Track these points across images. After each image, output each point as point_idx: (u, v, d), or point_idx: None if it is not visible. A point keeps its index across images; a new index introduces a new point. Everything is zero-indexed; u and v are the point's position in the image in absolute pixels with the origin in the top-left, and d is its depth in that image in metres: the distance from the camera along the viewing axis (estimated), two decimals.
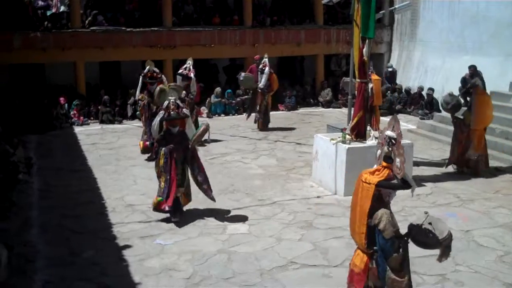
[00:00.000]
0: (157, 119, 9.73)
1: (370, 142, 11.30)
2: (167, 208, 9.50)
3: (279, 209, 10.37)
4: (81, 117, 18.71)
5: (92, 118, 19.09)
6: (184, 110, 9.80)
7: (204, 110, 19.90)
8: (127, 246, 8.70)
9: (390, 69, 22.56)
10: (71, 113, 18.73)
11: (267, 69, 17.42)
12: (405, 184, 5.78)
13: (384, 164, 5.84)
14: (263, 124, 17.65)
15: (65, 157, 14.38)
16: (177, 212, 9.69)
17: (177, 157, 9.47)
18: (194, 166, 9.65)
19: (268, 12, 22.89)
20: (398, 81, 22.25)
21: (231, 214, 10.14)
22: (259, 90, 17.42)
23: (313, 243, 8.79)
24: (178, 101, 9.80)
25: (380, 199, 5.86)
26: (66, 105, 18.71)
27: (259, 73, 17.67)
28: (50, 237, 9.16)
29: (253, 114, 17.89)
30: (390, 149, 5.74)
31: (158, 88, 13.23)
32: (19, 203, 10.53)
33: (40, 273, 7.89)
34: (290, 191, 11.47)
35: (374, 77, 14.46)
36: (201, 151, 14.39)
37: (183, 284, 7.51)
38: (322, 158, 11.68)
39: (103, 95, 19.08)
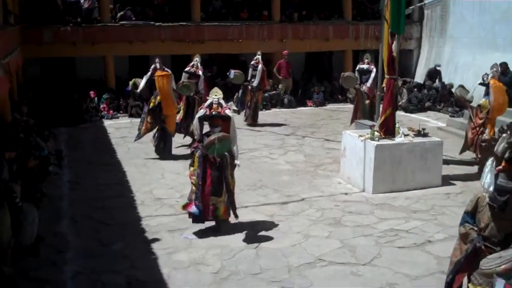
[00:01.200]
0: (197, 117, 9.24)
1: (399, 139, 11.25)
2: (193, 209, 8.86)
3: (307, 205, 10.35)
4: (111, 111, 18.90)
5: (121, 111, 19.26)
6: (227, 111, 9.18)
7: (231, 105, 19.90)
8: (155, 239, 8.78)
9: (438, 68, 21.76)
10: (101, 106, 18.92)
11: (260, 66, 17.42)
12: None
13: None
14: (252, 119, 17.67)
15: (95, 150, 14.54)
16: (200, 220, 9.04)
17: (213, 163, 8.84)
18: (223, 174, 8.90)
19: (296, 7, 22.81)
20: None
21: (259, 209, 10.14)
22: (249, 87, 17.44)
23: (341, 240, 8.75)
24: (222, 101, 9.22)
25: None
26: (96, 98, 18.93)
27: (250, 69, 17.70)
28: (80, 229, 9.29)
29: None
30: None
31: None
32: (49, 195, 10.66)
33: (70, 264, 8.00)
34: (318, 187, 11.44)
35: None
36: None
37: (211, 278, 7.54)
38: (350, 155, 11.63)
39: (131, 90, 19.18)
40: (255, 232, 9.07)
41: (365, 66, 15.88)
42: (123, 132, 16.64)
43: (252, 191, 11.14)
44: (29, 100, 16.93)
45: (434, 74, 21.81)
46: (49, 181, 11.50)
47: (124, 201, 10.62)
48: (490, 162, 5.58)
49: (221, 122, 9.03)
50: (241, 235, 8.93)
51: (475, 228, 5.60)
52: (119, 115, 19.01)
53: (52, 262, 8.02)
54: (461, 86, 14.05)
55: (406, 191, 10.91)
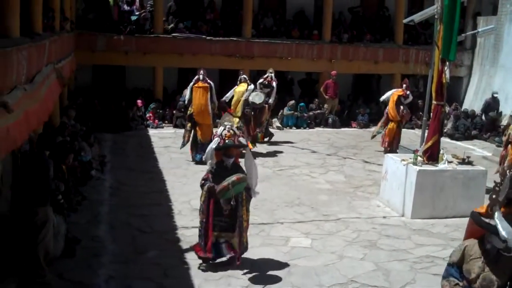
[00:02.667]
0: (212, 147, 8.32)
1: (442, 165, 11.07)
2: (202, 255, 8.22)
3: (343, 226, 10.26)
4: (156, 120, 19.15)
5: (166, 121, 19.50)
6: (241, 138, 8.59)
7: (275, 122, 19.93)
8: (189, 250, 8.80)
9: (495, 95, 20.71)
10: (147, 115, 19.19)
11: (274, 83, 16.83)
12: (494, 230, 4.91)
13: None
14: (266, 136, 17.59)
15: (138, 158, 14.74)
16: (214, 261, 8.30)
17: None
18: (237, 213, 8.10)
19: (347, 29, 22.75)
20: (475, 108, 21.55)
21: (295, 227, 10.10)
22: (266, 105, 16.72)
23: (375, 263, 8.65)
24: (234, 128, 8.64)
25: (482, 240, 5.17)
26: (143, 107, 19.23)
27: (261, 87, 16.62)
28: (117, 234, 9.41)
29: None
30: None
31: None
32: (90, 199, 10.87)
33: (104, 268, 8.11)
34: (356, 209, 11.34)
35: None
36: (270, 162, 14.60)
37: None
38: (392, 178, 11.49)
39: (178, 100, 19.43)
40: (289, 249, 9.04)
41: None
42: (167, 142, 16.82)
43: (289, 208, 11.10)
44: (78, 105, 17.32)
45: (493, 104, 20.69)
46: (91, 185, 11.73)
47: (162, 210, 10.73)
48: (498, 212, 5.14)
49: (236, 152, 8.35)
50: (274, 251, 8.92)
51: (461, 284, 5.23)
52: (164, 125, 19.25)
53: (87, 265, 8.16)
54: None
55: (445, 218, 10.73)
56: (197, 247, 8.29)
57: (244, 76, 16.35)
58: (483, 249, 5.15)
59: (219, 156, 8.22)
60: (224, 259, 8.28)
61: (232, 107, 15.71)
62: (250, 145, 14.45)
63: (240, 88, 15.89)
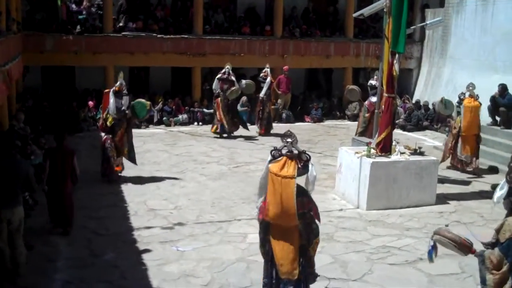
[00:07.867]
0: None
1: (395, 157, 11.24)
2: None
3: None
4: None
5: None
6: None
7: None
8: (147, 250, 8.76)
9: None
10: (98, 117, 18.86)
11: (268, 78, 18.44)
12: None
13: None
14: (266, 129, 18.51)
15: (91, 160, 14.42)
16: None
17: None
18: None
19: (298, 24, 22.86)
20: (426, 98, 21.93)
21: (252, 223, 10.08)
22: (260, 99, 18.48)
23: (332, 256, 8.72)
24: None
25: None
26: (94, 108, 18.92)
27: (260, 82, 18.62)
28: (72, 238, 9.25)
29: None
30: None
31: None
32: (42, 203, 10.57)
33: (60, 273, 7.98)
34: None
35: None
36: (225, 159, 14.56)
37: None
38: (346, 171, 11.62)
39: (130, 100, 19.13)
40: (247, 245, 9.02)
41: (373, 82, 15.89)
42: None
43: (246, 205, 11.06)
44: (27, 108, 16.94)
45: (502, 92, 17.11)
46: (43, 189, 11.43)
47: (118, 211, 10.61)
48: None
49: None
50: (232, 248, 8.92)
51: None
52: None
53: (42, 271, 8.01)
54: (441, 101, 15.07)
55: (400, 208, 10.92)
56: None
57: (228, 67, 17.56)
58: None
59: None
60: None
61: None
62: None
63: None
